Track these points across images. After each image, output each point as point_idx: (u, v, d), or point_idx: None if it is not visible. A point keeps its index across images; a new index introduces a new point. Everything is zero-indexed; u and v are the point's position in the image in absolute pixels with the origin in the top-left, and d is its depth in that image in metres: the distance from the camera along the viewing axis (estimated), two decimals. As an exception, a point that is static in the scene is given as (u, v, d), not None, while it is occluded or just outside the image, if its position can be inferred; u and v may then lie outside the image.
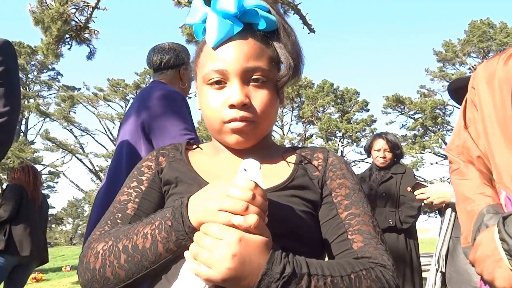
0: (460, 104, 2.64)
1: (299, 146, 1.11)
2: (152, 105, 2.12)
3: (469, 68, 29.11)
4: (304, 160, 1.03)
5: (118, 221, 0.95)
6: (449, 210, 2.56)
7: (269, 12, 0.98)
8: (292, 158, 1.04)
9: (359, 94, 34.89)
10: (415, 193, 2.79)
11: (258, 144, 1.01)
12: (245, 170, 0.79)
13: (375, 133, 4.73)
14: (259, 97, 0.96)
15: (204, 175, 0.97)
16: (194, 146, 1.11)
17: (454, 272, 2.35)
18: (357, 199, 0.96)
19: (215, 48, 0.96)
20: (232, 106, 0.93)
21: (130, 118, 2.21)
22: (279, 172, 0.99)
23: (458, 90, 2.54)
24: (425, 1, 69.54)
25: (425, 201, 2.72)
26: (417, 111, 32.33)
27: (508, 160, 1.17)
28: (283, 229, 0.86)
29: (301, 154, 1.05)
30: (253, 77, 0.95)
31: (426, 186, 2.79)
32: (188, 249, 0.78)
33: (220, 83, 0.96)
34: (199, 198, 0.81)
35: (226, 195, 0.76)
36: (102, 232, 0.93)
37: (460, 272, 2.30)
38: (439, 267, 2.50)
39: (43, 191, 4.73)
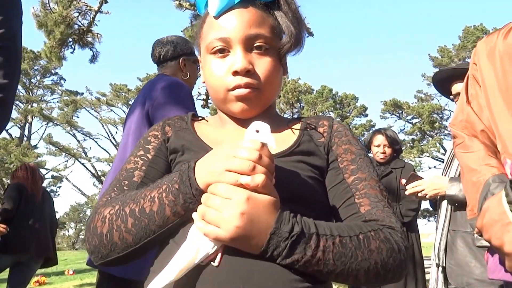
0: (443, 95, 2.70)
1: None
2: (155, 95, 2.13)
3: (466, 73, 29.14)
4: (309, 126, 1.02)
5: (125, 188, 0.93)
6: (444, 203, 2.49)
7: None
8: (297, 126, 1.03)
9: (357, 99, 34.95)
10: (408, 187, 2.70)
11: (263, 114, 1.00)
12: (257, 131, 0.78)
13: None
14: (263, 64, 0.95)
15: (210, 143, 0.96)
16: (200, 118, 1.10)
17: (454, 265, 2.31)
18: (363, 164, 0.95)
19: (217, 17, 0.96)
20: (235, 73, 0.93)
21: (135, 109, 2.23)
22: (284, 139, 0.98)
23: (442, 81, 2.62)
24: (420, 8, 69.87)
25: (419, 194, 2.64)
26: (415, 116, 32.37)
27: (511, 130, 1.16)
28: (289, 194, 0.85)
29: (306, 122, 1.04)
30: (255, 44, 0.95)
31: (421, 178, 2.69)
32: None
33: (224, 51, 0.95)
34: (206, 160, 0.81)
35: (232, 155, 0.76)
36: (109, 198, 0.91)
37: (461, 265, 2.27)
38: (439, 261, 2.45)
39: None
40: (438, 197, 2.57)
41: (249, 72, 0.93)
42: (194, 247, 0.75)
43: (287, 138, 0.98)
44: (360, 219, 0.87)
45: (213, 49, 0.96)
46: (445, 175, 2.60)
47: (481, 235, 1.13)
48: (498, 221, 1.03)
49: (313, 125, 1.03)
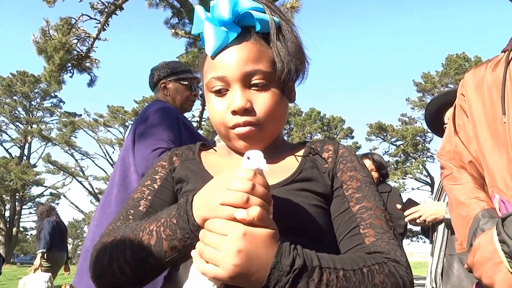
0: (437, 134, 2.62)
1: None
2: (142, 117, 2.19)
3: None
4: (313, 151, 0.96)
5: (130, 217, 0.92)
6: (440, 228, 2.43)
7: (264, 12, 0.91)
8: (301, 152, 0.97)
9: (344, 122, 35.22)
10: (406, 213, 2.63)
11: (269, 146, 0.95)
12: (248, 158, 0.73)
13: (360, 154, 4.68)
14: (261, 100, 0.89)
15: (214, 173, 0.91)
16: (208, 148, 1.06)
17: None
18: (369, 192, 0.88)
19: (213, 56, 0.91)
20: (234, 112, 0.88)
21: (129, 135, 2.24)
22: (287, 167, 0.93)
23: (434, 116, 2.51)
24: (405, 36, 71.12)
25: (417, 220, 2.56)
26: (399, 138, 32.61)
27: (499, 163, 1.12)
28: (290, 224, 0.80)
29: (310, 146, 0.98)
30: (253, 81, 0.89)
31: (418, 204, 2.64)
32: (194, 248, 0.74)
33: (222, 89, 0.91)
34: (202, 194, 0.76)
35: (226, 188, 0.70)
36: (114, 227, 0.89)
37: None
38: (436, 286, 2.38)
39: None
40: (432, 222, 2.51)
41: (247, 110, 0.88)
42: (194, 286, 0.70)
43: (289, 165, 0.93)
44: (364, 250, 0.81)
45: (213, 88, 0.92)
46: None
47: (471, 271, 1.08)
48: (490, 259, 0.98)
49: (317, 150, 0.97)
